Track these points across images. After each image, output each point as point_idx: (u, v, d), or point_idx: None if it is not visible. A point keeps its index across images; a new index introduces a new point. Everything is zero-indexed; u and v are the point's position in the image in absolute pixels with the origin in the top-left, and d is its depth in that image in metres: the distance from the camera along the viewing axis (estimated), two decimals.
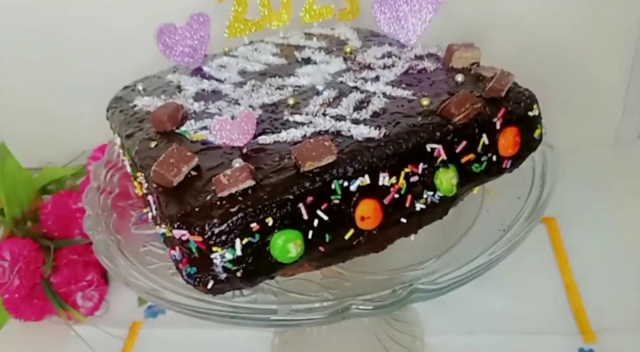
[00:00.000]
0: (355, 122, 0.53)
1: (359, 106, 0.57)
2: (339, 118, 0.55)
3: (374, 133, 0.51)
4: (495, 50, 0.64)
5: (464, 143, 0.53)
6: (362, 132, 0.52)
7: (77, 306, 0.86)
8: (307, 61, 0.68)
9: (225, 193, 0.46)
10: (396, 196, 0.51)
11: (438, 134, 0.52)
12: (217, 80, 0.66)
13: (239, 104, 0.60)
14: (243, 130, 0.51)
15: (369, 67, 0.65)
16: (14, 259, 0.84)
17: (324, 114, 0.55)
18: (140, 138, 0.58)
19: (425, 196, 0.53)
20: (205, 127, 0.56)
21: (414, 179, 0.52)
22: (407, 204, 0.52)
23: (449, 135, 0.53)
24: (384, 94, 0.58)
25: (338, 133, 0.52)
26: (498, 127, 0.55)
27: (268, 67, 0.68)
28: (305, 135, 0.53)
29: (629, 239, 0.84)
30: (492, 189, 0.61)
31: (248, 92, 0.62)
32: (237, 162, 0.49)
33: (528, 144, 0.57)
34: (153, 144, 0.56)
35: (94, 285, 0.88)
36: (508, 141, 0.55)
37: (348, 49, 0.70)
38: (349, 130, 0.52)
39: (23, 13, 0.97)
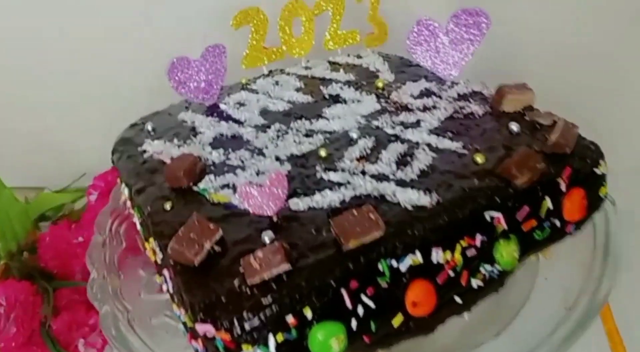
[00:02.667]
0: (401, 183, 0.46)
1: (402, 161, 0.50)
2: (381, 177, 0.48)
3: (425, 199, 0.45)
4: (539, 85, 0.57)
5: (525, 209, 0.47)
6: (410, 197, 0.45)
7: None
8: (336, 99, 0.61)
9: (256, 280, 0.39)
10: (451, 273, 0.44)
11: (498, 199, 0.45)
12: (236, 121, 0.59)
13: (263, 155, 0.53)
14: (273, 196, 0.44)
15: (406, 108, 0.58)
16: (10, 305, 0.77)
17: (363, 172, 0.48)
18: (153, 196, 0.51)
19: (482, 271, 0.46)
20: (227, 185, 0.49)
21: (471, 253, 0.45)
22: (464, 282, 0.45)
23: (509, 201, 0.46)
24: (429, 146, 0.51)
25: (382, 198, 0.45)
26: (563, 188, 0.48)
27: (292, 106, 0.61)
28: (344, 201, 0.46)
29: None
30: (548, 250, 0.54)
31: (273, 139, 0.55)
32: (267, 236, 0.42)
33: (593, 205, 0.51)
34: (168, 206, 0.49)
35: (97, 330, 0.81)
36: (574, 205, 0.48)
37: (380, 84, 0.63)
38: (395, 195, 0.45)
39: (24, 29, 0.90)
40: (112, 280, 0.55)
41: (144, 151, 0.57)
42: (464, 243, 0.44)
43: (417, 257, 0.43)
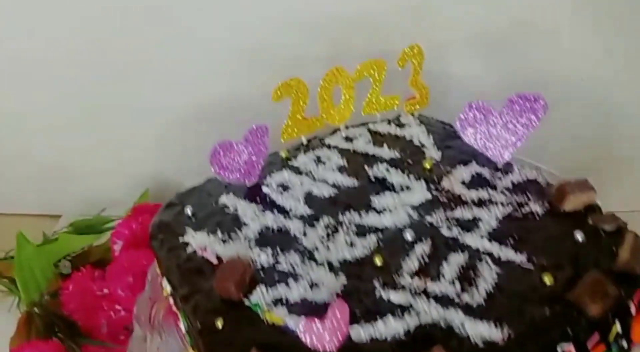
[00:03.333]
0: (469, 311, 0.44)
1: (465, 276, 0.47)
2: (446, 301, 0.45)
3: (495, 334, 0.42)
4: None
5: (596, 336, 0.45)
6: (480, 331, 0.43)
7: None
8: (382, 183, 0.59)
9: None
10: None
11: (570, 331, 0.43)
12: (281, 210, 0.57)
13: (315, 260, 0.51)
14: (335, 329, 0.42)
15: (459, 200, 0.56)
16: None
17: (426, 293, 0.46)
18: (203, 308, 0.48)
19: None
20: (280, 301, 0.47)
21: None
22: None
23: (581, 331, 0.44)
24: (491, 257, 0.49)
25: (450, 330, 0.43)
26: (633, 311, 0.46)
27: (338, 191, 0.58)
28: (408, 332, 0.43)
29: None
30: None
31: (323, 238, 0.53)
32: None
33: None
34: (220, 324, 0.46)
35: None
36: None
37: (428, 165, 0.60)
38: (463, 327, 0.43)
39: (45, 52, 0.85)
40: None
41: (186, 244, 0.55)
42: None
43: None
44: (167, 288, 0.55)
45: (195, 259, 0.53)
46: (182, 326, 0.52)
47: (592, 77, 0.80)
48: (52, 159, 0.95)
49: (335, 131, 0.69)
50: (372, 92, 0.69)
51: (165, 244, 0.56)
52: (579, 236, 0.49)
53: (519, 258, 0.48)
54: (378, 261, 0.49)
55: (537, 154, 0.60)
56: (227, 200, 0.59)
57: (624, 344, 0.47)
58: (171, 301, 0.55)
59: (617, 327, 0.45)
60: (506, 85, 0.80)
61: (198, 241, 0.55)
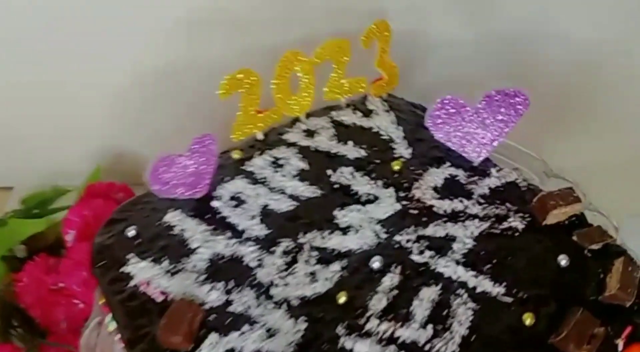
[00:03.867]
0: None
1: (438, 316, 0.43)
2: (416, 350, 0.41)
3: None
4: None
5: None
6: None
7: None
8: (347, 192, 0.53)
9: None
10: None
11: None
12: (234, 231, 0.51)
13: (271, 298, 0.45)
14: None
15: (431, 212, 0.50)
16: None
17: (394, 340, 0.42)
18: None
19: None
20: (232, 351, 0.42)
21: None
22: None
23: None
24: (466, 289, 0.44)
25: None
26: (620, 348, 0.42)
27: (298, 203, 0.52)
28: None
29: None
30: None
31: (280, 269, 0.47)
32: None
33: None
34: None
35: None
36: None
37: (397, 167, 0.54)
38: None
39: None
40: None
41: (129, 275, 0.49)
42: None
43: None
44: (111, 326, 0.49)
45: (139, 296, 0.48)
46: None
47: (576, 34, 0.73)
48: (2, 130, 0.87)
49: (295, 121, 0.62)
50: (335, 75, 0.61)
51: (106, 274, 0.50)
52: (563, 261, 0.45)
53: (497, 290, 0.44)
54: (342, 299, 0.44)
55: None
56: (173, 218, 0.53)
57: None
58: (117, 337, 0.50)
59: None
60: (487, 46, 0.74)
61: (141, 272, 0.49)
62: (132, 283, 0.48)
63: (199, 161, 0.53)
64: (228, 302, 0.46)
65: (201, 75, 0.68)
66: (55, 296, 0.79)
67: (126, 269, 0.50)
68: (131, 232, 0.52)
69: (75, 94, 0.79)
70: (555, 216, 0.47)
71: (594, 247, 0.46)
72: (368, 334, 0.42)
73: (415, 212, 0.50)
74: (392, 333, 0.42)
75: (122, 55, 0.75)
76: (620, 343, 0.42)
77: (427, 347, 0.41)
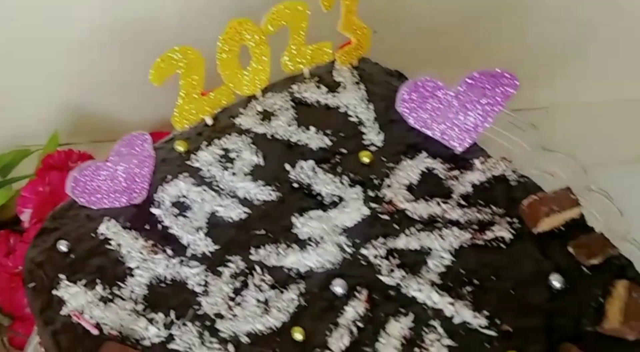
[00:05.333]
0: None
1: None
2: None
3: None
4: None
5: None
6: None
7: None
8: (308, 193, 0.46)
9: None
10: None
11: None
12: (176, 247, 0.44)
13: (217, 336, 0.39)
14: None
15: (404, 216, 0.43)
16: None
17: None
18: None
19: None
20: None
21: None
22: None
23: None
24: (442, 319, 0.38)
25: None
26: None
27: (250, 211, 0.45)
28: None
29: None
30: None
31: (227, 296, 0.41)
32: None
33: None
34: None
35: None
36: None
37: (366, 159, 0.46)
38: None
39: None
40: None
41: (61, 301, 0.43)
42: None
43: None
44: None
45: (72, 328, 0.42)
46: None
47: None
48: None
49: (250, 99, 0.53)
50: (293, 42, 0.52)
51: (37, 298, 0.44)
52: (556, 281, 0.38)
53: (477, 321, 0.37)
54: (298, 335, 0.38)
55: None
56: (108, 230, 0.46)
57: None
58: None
59: None
60: None
61: (73, 299, 0.42)
62: (64, 312, 0.42)
63: (129, 164, 0.45)
64: (168, 339, 0.40)
65: (160, 30, 0.64)
66: (18, 280, 0.74)
67: (58, 293, 0.43)
68: (63, 247, 0.46)
69: (31, 51, 0.72)
70: (548, 223, 0.40)
71: (594, 262, 0.39)
72: None
73: (386, 217, 0.43)
74: None
75: (78, 10, 0.69)
76: None
77: None
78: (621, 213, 0.49)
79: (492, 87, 0.43)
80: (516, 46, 0.72)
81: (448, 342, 0.37)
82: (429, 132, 0.46)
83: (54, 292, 0.44)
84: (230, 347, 0.38)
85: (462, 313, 0.38)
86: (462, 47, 0.68)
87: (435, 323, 0.38)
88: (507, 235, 0.41)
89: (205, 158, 0.49)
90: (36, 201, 0.71)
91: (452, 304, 0.38)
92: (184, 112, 0.50)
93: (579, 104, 0.76)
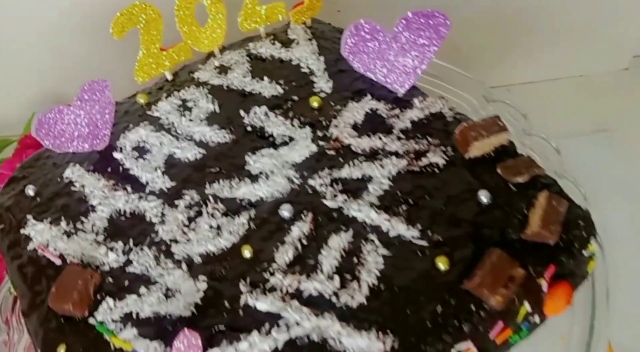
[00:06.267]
0: (347, 317, 0.37)
1: (347, 265, 0.39)
2: (321, 304, 0.38)
3: (376, 347, 0.35)
4: None
5: (500, 324, 0.38)
6: (358, 344, 0.36)
7: None
8: (261, 134, 0.49)
9: None
10: None
11: (467, 329, 0.37)
12: (135, 184, 0.47)
13: (172, 258, 0.42)
14: None
15: (349, 150, 0.46)
16: None
17: (299, 293, 0.38)
18: (43, 329, 0.40)
19: None
20: (129, 316, 0.39)
21: None
22: None
23: (481, 325, 0.37)
24: (379, 233, 0.40)
25: (323, 346, 0.36)
26: (545, 288, 0.39)
27: (206, 151, 0.48)
28: (276, 349, 0.36)
29: None
30: None
31: (182, 223, 0.44)
32: None
33: (577, 284, 0.42)
34: (62, 350, 0.39)
35: None
36: (558, 302, 0.40)
37: (315, 104, 0.49)
38: (339, 340, 0.36)
39: None
40: None
41: (28, 238, 0.45)
42: None
43: None
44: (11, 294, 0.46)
45: (37, 260, 0.44)
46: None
47: None
48: None
49: (209, 57, 0.56)
50: (248, 2, 0.55)
51: (6, 237, 0.47)
52: (484, 197, 0.41)
53: (411, 233, 0.40)
54: (247, 253, 0.41)
55: None
56: (73, 174, 0.49)
57: (536, 319, 0.41)
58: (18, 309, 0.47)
59: (527, 307, 0.39)
60: None
61: (39, 235, 0.45)
62: (30, 246, 0.45)
63: (91, 110, 0.48)
64: (126, 264, 0.42)
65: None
66: None
67: (24, 231, 0.46)
68: (30, 191, 0.48)
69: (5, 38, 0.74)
70: (478, 148, 0.43)
71: (520, 180, 0.42)
72: (272, 289, 0.39)
73: (332, 153, 0.46)
74: (297, 287, 0.39)
75: None
76: (544, 283, 0.39)
77: (333, 300, 0.38)
78: (558, 152, 0.53)
79: (426, 27, 0.46)
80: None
81: (384, 251, 0.40)
82: (372, 76, 0.49)
83: (22, 231, 0.46)
84: (184, 266, 0.41)
85: (397, 227, 0.41)
86: None
87: (373, 237, 0.40)
88: (440, 161, 0.44)
89: (165, 108, 0.52)
90: None
91: (388, 220, 0.41)
92: (144, 66, 0.53)
93: (537, 82, 0.79)
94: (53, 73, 0.79)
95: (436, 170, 0.44)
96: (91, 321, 0.40)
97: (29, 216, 0.47)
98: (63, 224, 0.45)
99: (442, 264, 0.38)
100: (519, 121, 0.55)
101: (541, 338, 0.42)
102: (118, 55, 0.69)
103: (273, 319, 0.37)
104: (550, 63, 0.78)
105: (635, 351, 0.53)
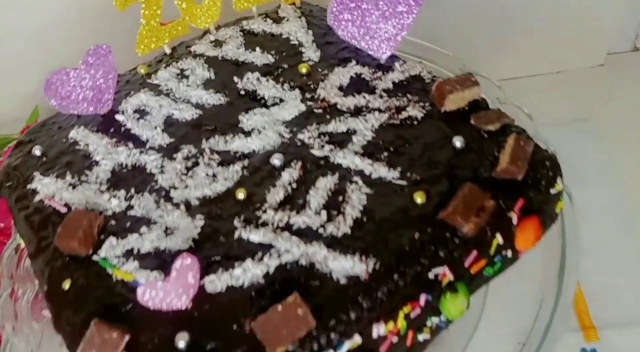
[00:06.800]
0: (332, 243, 0.40)
1: (333, 203, 0.43)
2: (310, 234, 0.41)
3: (359, 268, 0.39)
4: None
5: (474, 253, 0.41)
6: (343, 266, 0.39)
7: None
8: (253, 97, 0.52)
9: None
10: (394, 340, 0.40)
11: (443, 254, 0.40)
12: (136, 141, 0.50)
13: (171, 201, 0.45)
14: (184, 285, 0.38)
15: (335, 109, 0.50)
16: None
17: (289, 227, 0.42)
18: (49, 268, 0.43)
19: (429, 324, 0.42)
20: (131, 253, 0.42)
21: (416, 314, 0.40)
22: (409, 343, 0.41)
23: (456, 251, 0.40)
24: (362, 176, 0.44)
25: (311, 268, 0.39)
26: (515, 221, 0.42)
27: (202, 112, 0.52)
28: (267, 274, 0.39)
29: None
30: None
31: (181, 173, 0.47)
32: (183, 339, 0.37)
33: (547, 223, 0.46)
34: (67, 285, 0.42)
35: None
36: (528, 236, 0.43)
37: (304, 70, 0.53)
38: (326, 263, 0.39)
39: None
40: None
41: (34, 191, 0.49)
42: (406, 309, 0.39)
43: (355, 341, 0.38)
44: (20, 241, 0.49)
45: (43, 209, 0.47)
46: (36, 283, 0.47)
47: None
48: None
49: (205, 34, 0.60)
50: None
51: (13, 193, 0.50)
52: (458, 142, 0.45)
53: (391, 174, 0.44)
54: (240, 195, 0.44)
55: None
56: (78, 134, 0.52)
57: (509, 254, 0.44)
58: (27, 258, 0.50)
59: (498, 239, 0.42)
60: None
61: (45, 187, 0.48)
62: (37, 198, 0.48)
63: (95, 75, 0.51)
64: (128, 208, 0.45)
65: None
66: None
67: (31, 185, 0.49)
68: (37, 151, 0.52)
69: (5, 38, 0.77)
70: (453, 101, 0.47)
71: (491, 128, 0.45)
72: (264, 224, 0.42)
73: (320, 111, 0.50)
74: (287, 221, 0.42)
75: None
76: (514, 216, 0.42)
77: (320, 231, 0.41)
78: (530, 117, 0.56)
79: None
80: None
81: (366, 190, 0.43)
82: (356, 43, 0.53)
83: (29, 186, 0.49)
84: (182, 207, 0.44)
85: (379, 170, 0.44)
86: None
87: (357, 178, 0.44)
88: (419, 114, 0.47)
89: (164, 76, 0.55)
90: None
91: (371, 165, 0.44)
92: (144, 38, 0.56)
93: (516, 78, 0.83)
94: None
95: (415, 122, 0.47)
96: (95, 257, 0.43)
97: (36, 173, 0.50)
98: (68, 177, 0.49)
99: (419, 198, 0.41)
100: (493, 91, 0.58)
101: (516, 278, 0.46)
102: (117, 52, 0.73)
103: (265, 248, 0.41)
104: (528, 60, 0.83)
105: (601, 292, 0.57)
